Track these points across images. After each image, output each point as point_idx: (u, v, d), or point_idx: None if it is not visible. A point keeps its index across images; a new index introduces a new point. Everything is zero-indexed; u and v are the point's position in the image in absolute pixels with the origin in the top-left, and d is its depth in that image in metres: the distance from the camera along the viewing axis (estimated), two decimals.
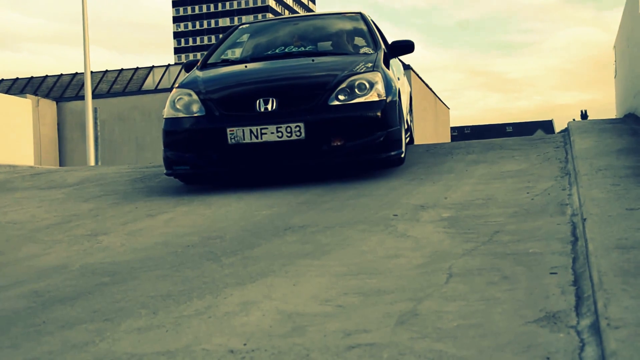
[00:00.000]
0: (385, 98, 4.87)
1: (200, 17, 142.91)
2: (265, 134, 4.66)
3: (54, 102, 26.22)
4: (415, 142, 9.32)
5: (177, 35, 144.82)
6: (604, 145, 4.87)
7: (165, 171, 5.13)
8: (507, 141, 6.30)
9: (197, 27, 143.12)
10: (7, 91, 28.31)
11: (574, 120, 8.18)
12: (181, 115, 4.98)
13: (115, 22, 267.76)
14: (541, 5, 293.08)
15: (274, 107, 4.75)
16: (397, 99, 5.13)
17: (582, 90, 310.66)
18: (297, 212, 3.95)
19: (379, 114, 4.79)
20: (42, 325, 2.22)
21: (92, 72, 24.11)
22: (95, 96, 23.18)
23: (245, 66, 5.55)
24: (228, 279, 2.62)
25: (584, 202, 3.10)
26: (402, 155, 5.08)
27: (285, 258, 2.89)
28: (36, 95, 26.24)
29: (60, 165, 24.27)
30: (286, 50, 5.85)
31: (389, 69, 5.36)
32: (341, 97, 4.80)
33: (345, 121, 4.74)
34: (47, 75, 29.87)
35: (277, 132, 4.66)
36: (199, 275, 2.71)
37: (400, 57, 6.64)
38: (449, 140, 36.28)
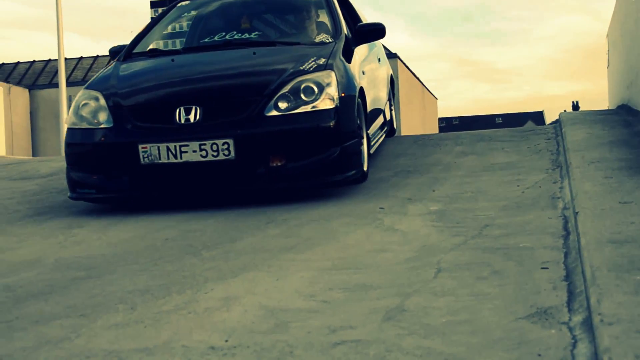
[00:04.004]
0: (339, 104, 3.95)
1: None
2: (186, 152, 3.78)
3: (27, 90, 25.71)
4: (403, 133, 9.24)
5: None
6: (596, 137, 4.82)
7: (68, 194, 4.23)
8: (497, 132, 6.22)
9: None
10: None
11: (565, 111, 8.13)
12: (85, 125, 4.09)
13: (90, 7, 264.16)
14: None
15: (197, 118, 3.86)
16: (358, 99, 4.27)
17: (573, 81, 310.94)
18: (279, 204, 3.87)
19: (331, 124, 3.88)
20: (14, 321, 2.14)
21: (66, 58, 23.23)
22: (69, 84, 22.65)
23: (172, 60, 4.58)
24: (209, 273, 2.55)
25: (576, 196, 3.06)
26: (365, 170, 4.23)
27: (267, 252, 2.82)
28: (7, 82, 25.58)
29: (33, 155, 23.89)
30: (227, 37, 4.87)
31: (350, 62, 4.43)
32: (282, 104, 3.89)
33: (286, 136, 3.85)
34: (18, 62, 28.78)
35: (201, 150, 3.77)
36: (178, 269, 2.64)
37: (386, 45, 6.32)
38: (437, 132, 36.33)
